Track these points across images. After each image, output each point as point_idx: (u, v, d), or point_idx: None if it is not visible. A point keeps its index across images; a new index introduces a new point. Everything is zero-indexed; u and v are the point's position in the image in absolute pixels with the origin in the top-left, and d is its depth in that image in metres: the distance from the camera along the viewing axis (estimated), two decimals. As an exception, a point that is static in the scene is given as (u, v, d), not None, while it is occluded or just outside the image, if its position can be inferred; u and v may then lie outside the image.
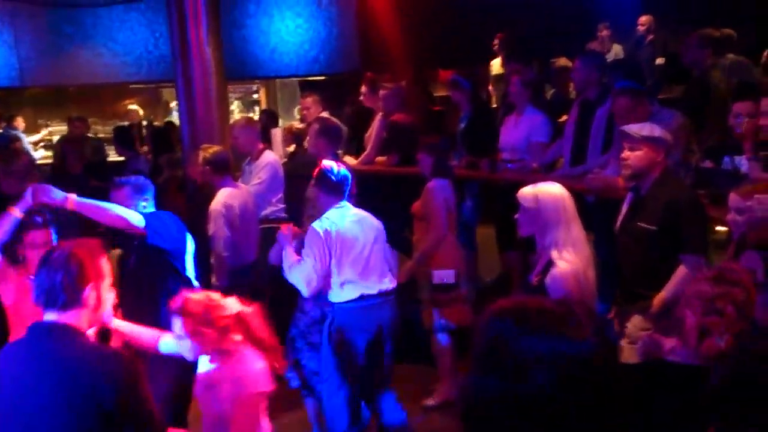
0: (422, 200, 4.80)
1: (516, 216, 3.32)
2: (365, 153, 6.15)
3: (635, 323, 3.65)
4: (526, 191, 3.30)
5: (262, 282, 4.81)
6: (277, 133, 6.69)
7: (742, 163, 4.02)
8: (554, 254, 3.17)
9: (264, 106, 8.33)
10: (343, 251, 3.82)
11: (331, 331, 3.91)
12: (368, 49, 8.32)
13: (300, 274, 3.80)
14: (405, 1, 8.28)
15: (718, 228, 3.49)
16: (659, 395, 1.98)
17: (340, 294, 3.87)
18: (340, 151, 5.33)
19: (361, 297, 3.87)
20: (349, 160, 5.93)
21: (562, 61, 6.81)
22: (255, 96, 9.03)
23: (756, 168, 3.85)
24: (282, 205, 5.42)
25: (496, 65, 8.16)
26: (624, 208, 3.77)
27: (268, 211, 5.29)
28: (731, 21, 7.91)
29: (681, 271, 3.42)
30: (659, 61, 7.93)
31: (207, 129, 5.70)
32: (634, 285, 3.63)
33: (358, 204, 4.07)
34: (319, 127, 4.93)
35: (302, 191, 4.92)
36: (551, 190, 3.25)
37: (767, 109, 3.72)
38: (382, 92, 6.08)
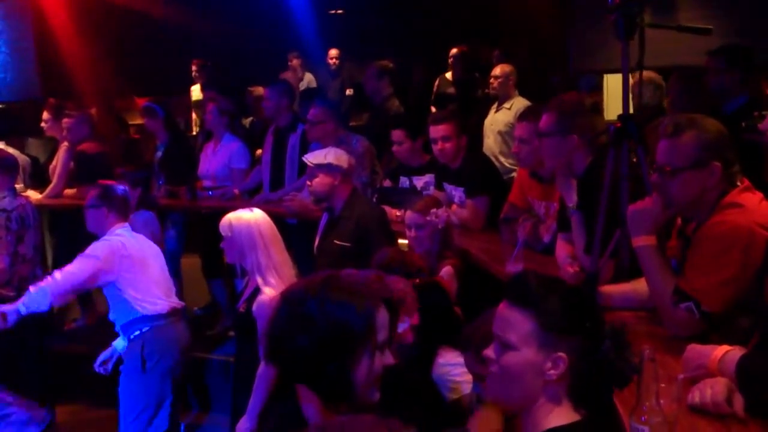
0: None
1: (221, 244, 3.35)
2: (51, 185, 5.63)
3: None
4: (224, 219, 3.35)
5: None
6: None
7: (416, 181, 4.52)
8: (259, 280, 3.25)
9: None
10: (141, 267, 3.76)
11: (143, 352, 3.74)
12: (51, 76, 7.71)
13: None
14: (90, 28, 7.86)
15: (401, 241, 3.86)
16: None
17: (144, 311, 3.75)
18: (19, 185, 4.80)
19: (167, 313, 3.82)
20: (33, 194, 5.38)
21: (259, 90, 6.97)
22: None
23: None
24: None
25: (196, 91, 8.09)
26: (320, 229, 4.00)
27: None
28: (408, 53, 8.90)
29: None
30: (348, 92, 8.55)
31: None
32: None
33: (59, 242, 3.87)
34: (-10, 160, 4.42)
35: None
36: (243, 216, 3.32)
37: (436, 136, 4.16)
38: (66, 120, 5.63)
